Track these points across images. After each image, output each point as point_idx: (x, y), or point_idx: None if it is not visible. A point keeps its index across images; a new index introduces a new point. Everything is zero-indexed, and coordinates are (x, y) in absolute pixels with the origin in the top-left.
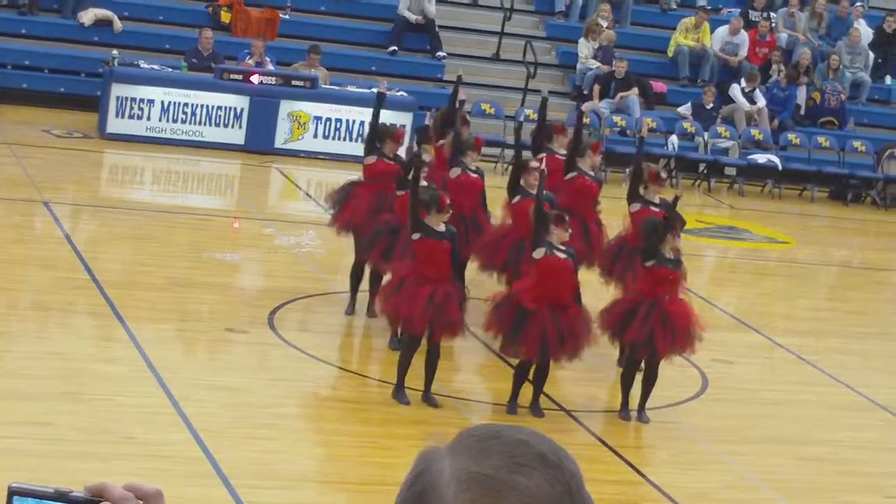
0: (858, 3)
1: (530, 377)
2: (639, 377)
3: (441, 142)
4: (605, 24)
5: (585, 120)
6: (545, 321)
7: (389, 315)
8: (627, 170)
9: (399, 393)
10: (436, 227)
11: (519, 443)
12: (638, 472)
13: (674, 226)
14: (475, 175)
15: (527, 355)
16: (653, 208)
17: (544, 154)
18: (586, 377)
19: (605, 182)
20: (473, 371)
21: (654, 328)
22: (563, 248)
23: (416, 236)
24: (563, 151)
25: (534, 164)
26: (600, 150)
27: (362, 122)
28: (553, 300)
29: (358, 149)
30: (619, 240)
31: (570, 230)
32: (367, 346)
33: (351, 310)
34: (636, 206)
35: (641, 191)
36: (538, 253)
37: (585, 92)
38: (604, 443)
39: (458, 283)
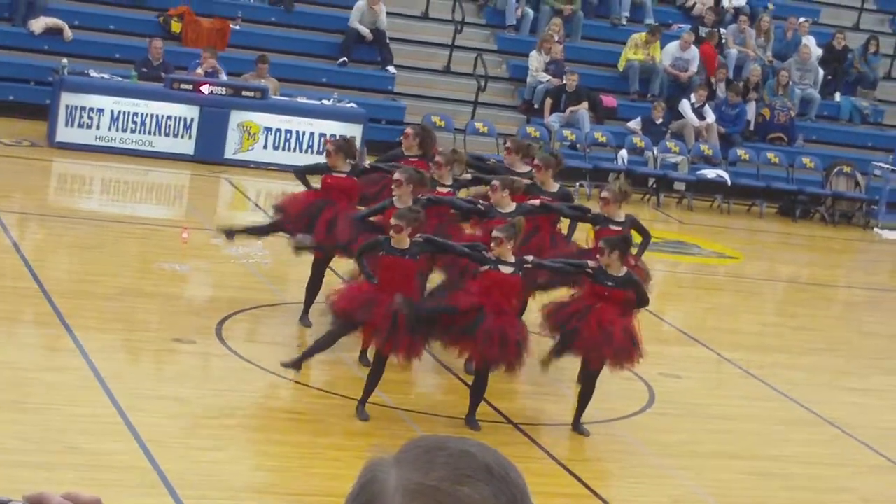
0: (802, 19)
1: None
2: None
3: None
4: (555, 37)
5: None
6: (474, 321)
7: (340, 311)
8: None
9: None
10: (399, 244)
11: (464, 454)
12: (586, 486)
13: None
14: (448, 189)
15: (459, 349)
16: (613, 227)
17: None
18: (535, 391)
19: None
20: (424, 383)
21: (591, 329)
22: (510, 260)
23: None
24: (523, 169)
25: (495, 182)
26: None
27: (312, 133)
28: (492, 308)
29: (308, 159)
30: (582, 254)
31: (503, 245)
32: (315, 357)
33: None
34: (598, 226)
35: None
36: (482, 268)
37: (536, 106)
38: (552, 456)
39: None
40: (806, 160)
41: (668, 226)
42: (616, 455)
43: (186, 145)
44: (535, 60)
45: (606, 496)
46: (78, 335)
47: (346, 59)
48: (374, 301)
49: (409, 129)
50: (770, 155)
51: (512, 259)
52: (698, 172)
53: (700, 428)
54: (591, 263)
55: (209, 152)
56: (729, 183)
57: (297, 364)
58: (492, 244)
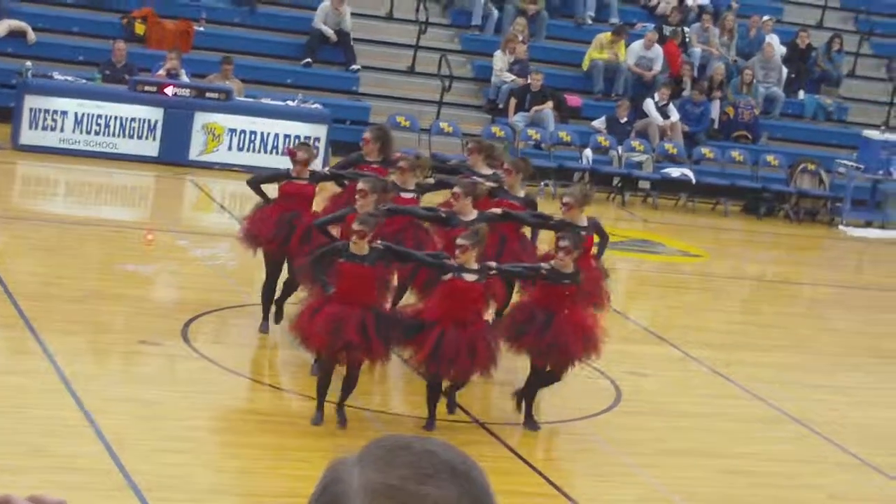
0: (766, 17)
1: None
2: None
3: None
4: (520, 37)
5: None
6: (442, 336)
7: (313, 345)
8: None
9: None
10: (359, 251)
11: (427, 453)
12: (553, 484)
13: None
14: (411, 195)
15: (419, 361)
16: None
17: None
18: (500, 390)
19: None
20: (388, 384)
21: (555, 339)
22: (474, 268)
23: (341, 260)
24: (486, 171)
25: (456, 189)
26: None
27: (277, 135)
28: (456, 319)
29: (273, 160)
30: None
31: (468, 252)
32: (280, 358)
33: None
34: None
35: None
36: (445, 277)
37: (500, 105)
38: (518, 455)
39: (385, 308)
40: (770, 158)
41: (632, 224)
42: (582, 454)
43: (151, 147)
44: (500, 60)
45: (573, 495)
46: (43, 337)
47: (310, 59)
48: (342, 321)
49: (367, 134)
50: (734, 153)
51: (475, 266)
52: (663, 171)
53: (666, 426)
54: (544, 265)
55: (174, 154)
56: (693, 181)
57: (319, 413)
58: (456, 252)
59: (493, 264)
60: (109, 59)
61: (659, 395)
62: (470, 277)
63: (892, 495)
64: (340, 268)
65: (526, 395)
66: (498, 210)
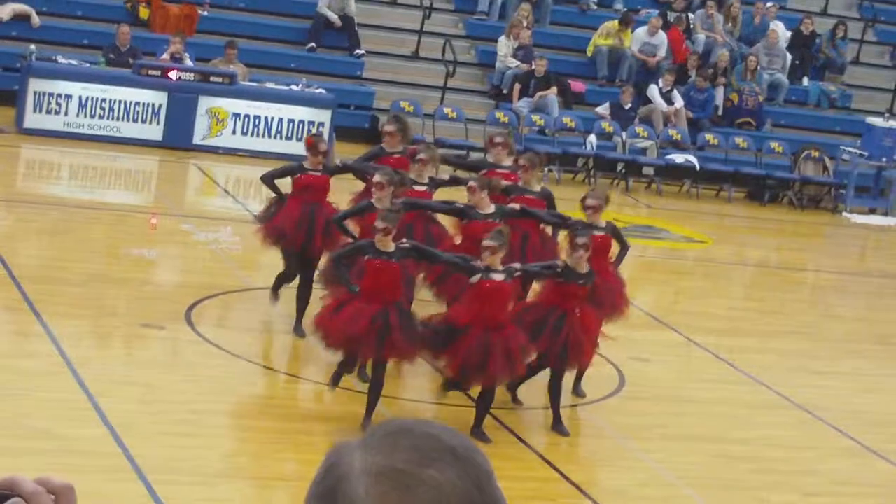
0: (770, 4)
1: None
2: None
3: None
4: (524, 23)
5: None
6: (476, 342)
7: (333, 342)
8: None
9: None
10: (384, 248)
11: (429, 437)
12: (555, 469)
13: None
14: (424, 189)
15: (450, 372)
16: (595, 233)
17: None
18: None
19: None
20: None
21: (566, 340)
22: (500, 269)
23: (365, 257)
24: (507, 163)
25: (472, 182)
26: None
27: (281, 119)
28: (488, 322)
29: (276, 145)
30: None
31: (497, 254)
32: (284, 342)
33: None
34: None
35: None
36: (474, 279)
37: (504, 91)
38: (521, 440)
39: (408, 305)
40: (774, 145)
41: (636, 210)
42: (586, 439)
43: (155, 131)
44: (504, 46)
45: (576, 480)
46: (47, 321)
47: (314, 44)
48: (357, 316)
49: (389, 126)
50: (738, 140)
51: (501, 267)
52: (667, 157)
53: (669, 411)
54: (558, 262)
55: (177, 138)
56: (697, 167)
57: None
58: (485, 253)
59: (518, 266)
60: (113, 43)
61: (662, 381)
62: (497, 278)
63: (894, 480)
64: (367, 265)
65: (552, 401)
66: (516, 206)
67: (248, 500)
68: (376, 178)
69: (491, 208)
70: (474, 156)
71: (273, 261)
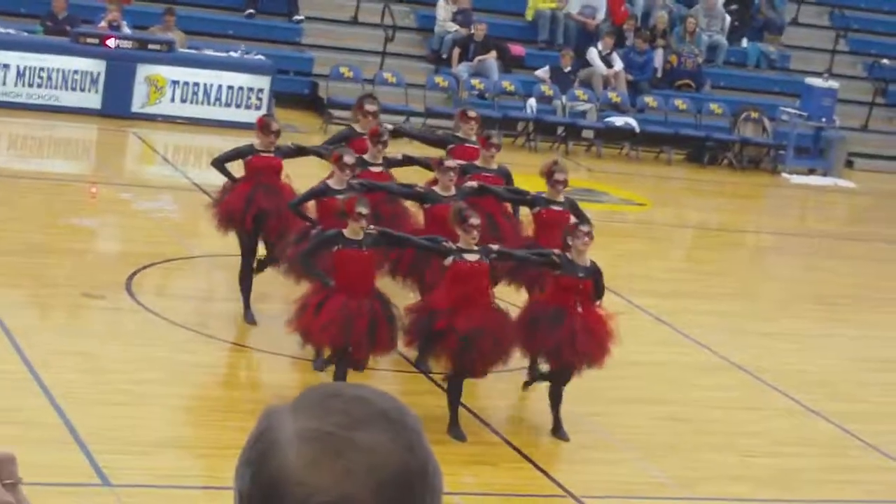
0: None
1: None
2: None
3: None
4: None
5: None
6: (463, 335)
7: (319, 341)
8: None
9: None
10: (354, 236)
11: (360, 400)
12: (497, 433)
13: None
14: (379, 170)
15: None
16: (555, 208)
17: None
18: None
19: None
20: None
21: (562, 340)
22: (474, 249)
23: (335, 248)
24: (474, 139)
25: (449, 162)
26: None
27: (220, 86)
28: (467, 302)
29: (216, 112)
30: (527, 240)
31: (473, 232)
32: (225, 310)
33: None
34: (537, 209)
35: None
36: (447, 261)
37: (444, 56)
38: (462, 404)
39: (383, 295)
40: (714, 106)
41: (577, 174)
42: (526, 402)
43: (93, 100)
44: (443, 10)
45: (517, 443)
46: None
47: (252, 10)
48: (351, 316)
49: (369, 106)
50: (678, 102)
51: (475, 248)
52: (606, 120)
53: (610, 374)
54: (555, 252)
55: (116, 106)
56: (637, 130)
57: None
58: (473, 231)
59: (496, 247)
60: (50, 11)
61: None
62: (472, 258)
63: (835, 440)
64: (339, 256)
65: (552, 406)
66: (474, 183)
67: (190, 470)
68: (346, 158)
69: (452, 191)
70: (414, 121)
71: (213, 230)
